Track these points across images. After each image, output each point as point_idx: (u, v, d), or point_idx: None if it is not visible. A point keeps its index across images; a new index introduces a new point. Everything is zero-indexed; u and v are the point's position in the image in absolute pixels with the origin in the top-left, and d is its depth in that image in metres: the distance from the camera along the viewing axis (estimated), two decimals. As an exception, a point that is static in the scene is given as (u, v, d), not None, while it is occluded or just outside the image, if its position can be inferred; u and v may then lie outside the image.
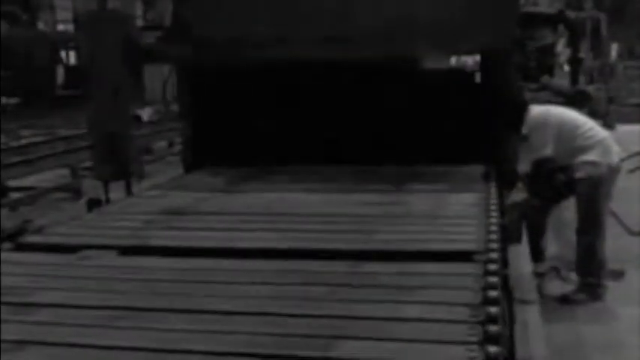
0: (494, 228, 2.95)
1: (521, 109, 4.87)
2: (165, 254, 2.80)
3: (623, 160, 5.16)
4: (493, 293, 2.12)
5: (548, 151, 4.79)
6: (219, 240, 3.01)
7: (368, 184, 4.28)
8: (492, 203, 3.46)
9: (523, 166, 4.77)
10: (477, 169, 4.43)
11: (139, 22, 24.04)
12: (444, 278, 2.38)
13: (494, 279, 2.25)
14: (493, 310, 1.99)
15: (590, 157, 4.79)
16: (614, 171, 4.89)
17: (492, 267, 2.39)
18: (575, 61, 7.74)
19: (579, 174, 4.80)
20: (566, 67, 10.39)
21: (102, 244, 2.96)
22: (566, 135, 4.83)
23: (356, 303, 2.19)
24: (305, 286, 2.36)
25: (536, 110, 4.90)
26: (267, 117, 5.01)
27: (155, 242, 3.01)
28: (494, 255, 2.54)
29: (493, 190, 3.85)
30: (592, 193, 4.82)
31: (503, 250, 2.99)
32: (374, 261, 2.61)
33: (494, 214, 3.22)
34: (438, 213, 3.44)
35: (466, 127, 4.70)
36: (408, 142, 4.84)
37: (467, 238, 2.83)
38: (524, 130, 4.83)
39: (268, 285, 2.39)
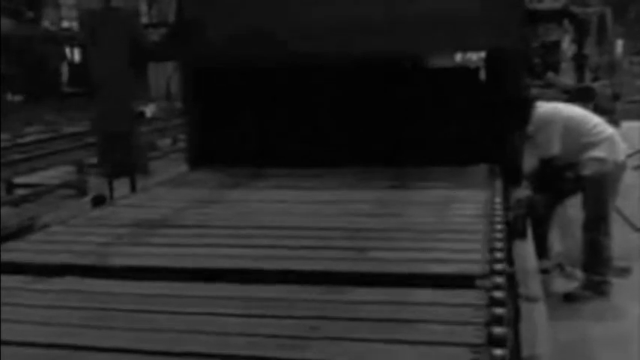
0: (499, 244, 2.65)
1: (528, 106, 4.85)
2: (129, 276, 2.52)
3: (629, 156, 5.15)
4: (499, 330, 1.85)
5: (555, 149, 4.77)
6: (190, 259, 2.72)
7: (364, 189, 4.07)
8: (497, 213, 3.16)
9: (529, 164, 4.76)
10: (481, 171, 4.29)
11: (144, 19, 24.05)
12: (440, 309, 2.09)
13: (500, 310, 1.98)
14: (498, 352, 1.73)
15: (597, 153, 4.77)
16: (620, 168, 4.87)
17: (498, 295, 2.09)
18: (580, 58, 7.71)
19: (586, 171, 4.78)
20: (564, 65, 10.35)
21: (61, 263, 2.68)
22: (572, 132, 4.81)
23: (334, 341, 1.90)
24: (278, 319, 2.08)
25: (542, 108, 4.88)
26: (269, 116, 4.98)
27: (120, 262, 2.70)
28: (499, 279, 2.24)
29: (498, 196, 3.57)
30: (599, 190, 4.80)
31: (511, 273, 2.69)
32: (361, 286, 2.32)
33: (499, 225, 2.93)
34: (438, 226, 3.13)
35: (470, 125, 4.65)
36: (410, 141, 4.76)
37: (469, 258, 2.52)
38: (531, 129, 4.81)
39: (236, 317, 2.10)
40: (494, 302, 2.05)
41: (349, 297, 2.24)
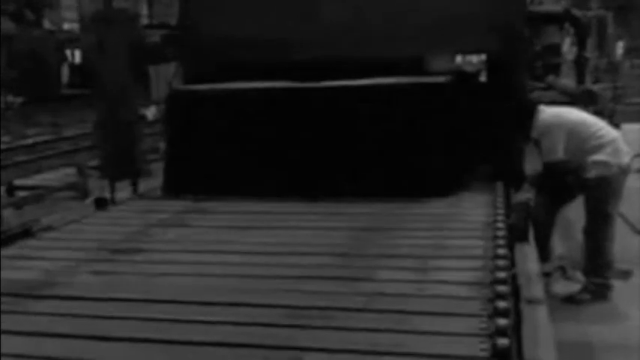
0: (504, 343, 1.81)
1: (531, 111, 4.84)
2: None
3: (635, 156, 5.16)
4: None
5: (559, 154, 4.77)
6: None
7: (330, 232, 3.19)
8: (500, 277, 2.33)
9: (533, 168, 4.75)
10: (480, 214, 3.57)
11: (144, 21, 24.08)
12: None
13: None
14: None
15: (601, 157, 4.77)
16: (624, 171, 4.87)
17: None
18: (581, 60, 7.71)
19: (590, 174, 4.78)
20: (564, 67, 10.37)
21: None
22: (577, 136, 4.81)
23: None
24: None
25: (546, 113, 4.87)
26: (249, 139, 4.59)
27: None
28: None
29: (501, 247, 2.74)
30: (602, 193, 4.81)
31: None
32: None
33: (502, 302, 2.06)
34: (414, 304, 2.21)
35: (471, 132, 4.44)
36: (402, 161, 4.21)
37: None
38: (535, 134, 4.81)
39: None
40: None
41: None
